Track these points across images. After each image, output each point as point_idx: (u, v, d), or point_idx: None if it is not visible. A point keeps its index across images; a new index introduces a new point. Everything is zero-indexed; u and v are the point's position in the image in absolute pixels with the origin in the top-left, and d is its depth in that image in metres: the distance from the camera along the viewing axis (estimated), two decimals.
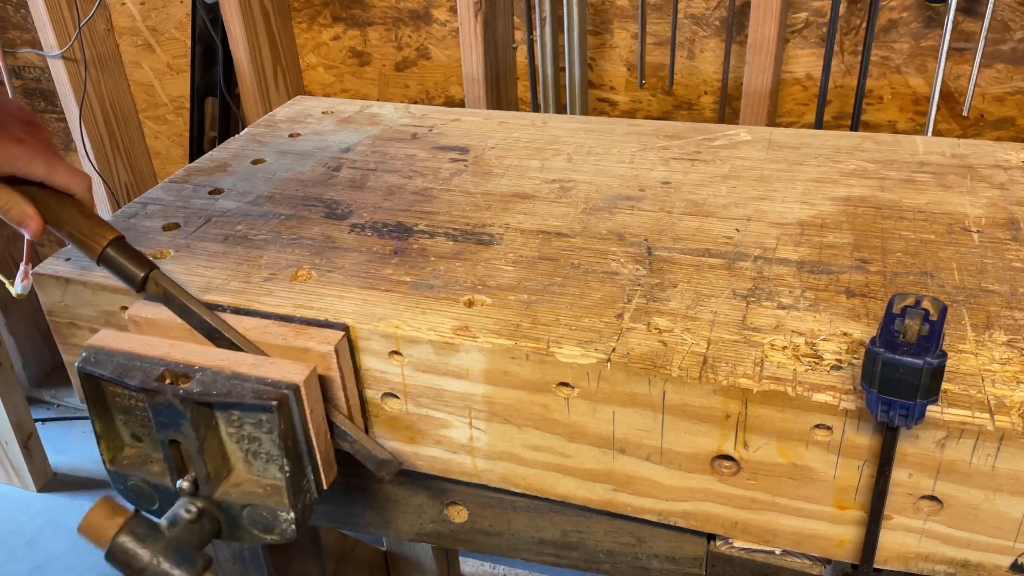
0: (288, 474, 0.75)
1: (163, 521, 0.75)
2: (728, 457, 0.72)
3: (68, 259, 0.92)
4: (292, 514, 0.77)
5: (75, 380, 0.97)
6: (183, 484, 0.77)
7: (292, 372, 0.74)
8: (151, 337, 0.80)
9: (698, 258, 0.86)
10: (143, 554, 0.70)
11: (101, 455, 0.82)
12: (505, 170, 1.07)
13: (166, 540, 0.72)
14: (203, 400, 0.74)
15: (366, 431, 0.84)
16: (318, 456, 0.77)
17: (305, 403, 0.74)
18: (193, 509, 0.76)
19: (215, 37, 2.09)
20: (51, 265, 0.92)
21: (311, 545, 1.12)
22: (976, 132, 1.65)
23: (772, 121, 1.71)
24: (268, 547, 1.01)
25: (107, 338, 0.80)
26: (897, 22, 1.62)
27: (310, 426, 0.75)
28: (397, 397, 0.81)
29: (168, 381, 0.75)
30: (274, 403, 0.72)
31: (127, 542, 0.70)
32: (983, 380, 0.67)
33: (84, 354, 0.78)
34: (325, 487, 0.80)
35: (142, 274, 0.80)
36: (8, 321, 2.50)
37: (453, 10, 1.93)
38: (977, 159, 1.04)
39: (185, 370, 0.75)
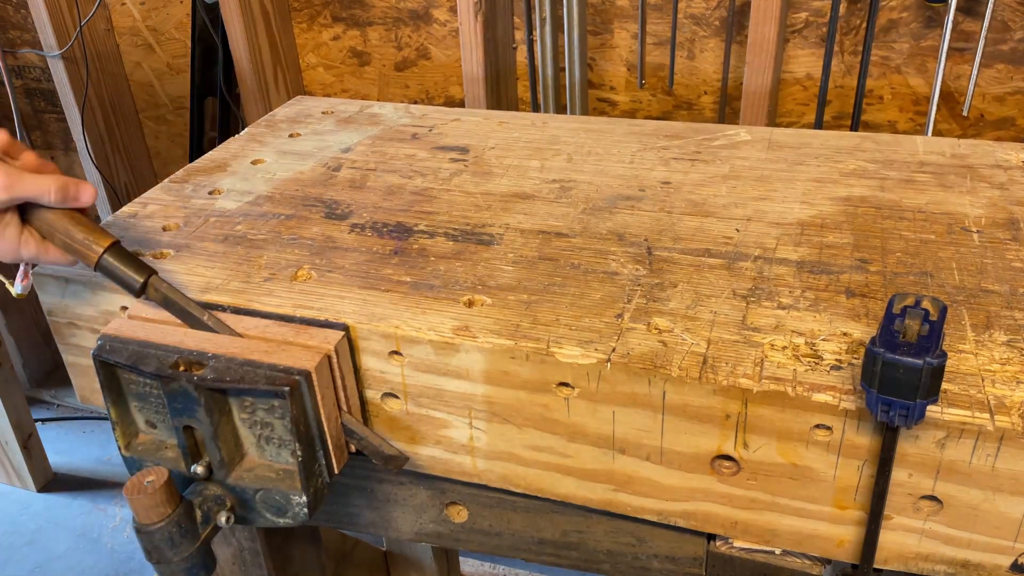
0: (300, 458, 0.76)
1: (198, 512, 0.77)
2: (728, 457, 0.72)
3: None
4: (304, 497, 0.78)
5: (75, 380, 0.97)
6: (198, 469, 0.78)
7: (304, 359, 0.75)
8: (165, 325, 0.81)
9: (698, 258, 0.86)
10: (183, 549, 0.74)
11: (116, 441, 0.83)
12: (505, 170, 1.07)
13: (200, 540, 0.76)
14: (217, 387, 0.75)
15: None
16: (329, 441, 0.78)
17: (316, 389, 0.75)
18: (232, 518, 0.78)
19: (215, 37, 2.09)
20: (51, 265, 0.92)
21: (311, 545, 1.13)
22: (976, 132, 1.66)
23: (772, 121, 1.71)
24: (268, 547, 1.01)
25: (122, 326, 0.80)
26: (897, 22, 1.62)
27: (321, 411, 0.76)
28: (397, 397, 0.81)
29: (182, 368, 0.76)
30: (286, 389, 0.73)
31: (172, 532, 0.73)
32: (983, 380, 0.67)
33: (99, 342, 0.79)
34: (336, 471, 0.80)
35: (141, 280, 0.80)
36: (8, 321, 2.50)
37: (453, 10, 1.93)
38: (977, 159, 1.04)
39: (199, 357, 0.76)
